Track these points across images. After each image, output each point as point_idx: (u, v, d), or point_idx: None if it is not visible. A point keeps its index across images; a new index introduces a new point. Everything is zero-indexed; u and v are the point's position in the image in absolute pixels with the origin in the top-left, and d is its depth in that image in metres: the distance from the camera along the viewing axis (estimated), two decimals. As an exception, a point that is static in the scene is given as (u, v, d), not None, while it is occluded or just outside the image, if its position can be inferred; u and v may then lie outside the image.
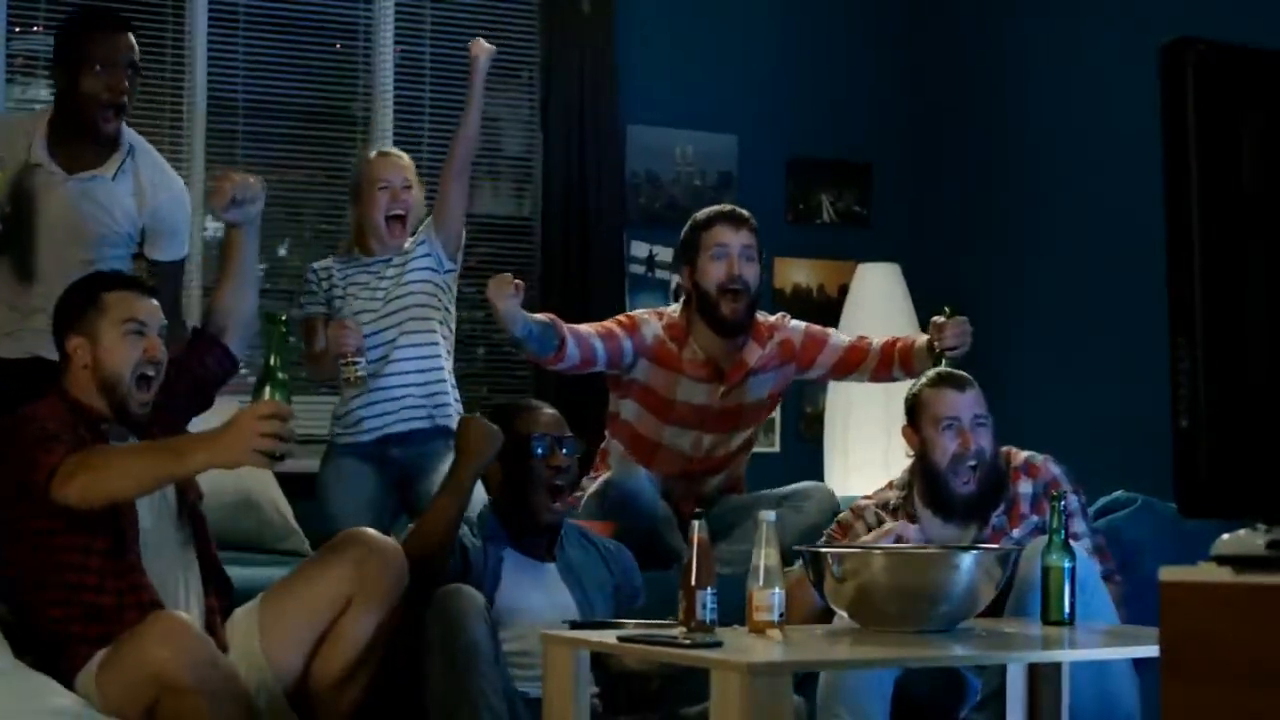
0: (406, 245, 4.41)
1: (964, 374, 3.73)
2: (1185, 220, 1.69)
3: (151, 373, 3.28)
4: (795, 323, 4.41)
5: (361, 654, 3.21)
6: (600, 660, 3.36)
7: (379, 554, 3.25)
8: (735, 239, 4.24)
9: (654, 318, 4.32)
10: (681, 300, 4.38)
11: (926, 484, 3.64)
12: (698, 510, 3.17)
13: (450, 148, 4.49)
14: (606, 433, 4.43)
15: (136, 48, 3.90)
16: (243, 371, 3.94)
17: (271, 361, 3.00)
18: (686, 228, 4.37)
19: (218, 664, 3.02)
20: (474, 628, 3.19)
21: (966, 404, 3.62)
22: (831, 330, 4.48)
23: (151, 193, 3.95)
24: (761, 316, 4.36)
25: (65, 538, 3.10)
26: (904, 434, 3.71)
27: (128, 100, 3.88)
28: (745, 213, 4.34)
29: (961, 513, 3.61)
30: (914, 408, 3.68)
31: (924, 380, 3.73)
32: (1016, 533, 3.60)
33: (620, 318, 4.35)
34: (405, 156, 4.52)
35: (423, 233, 4.44)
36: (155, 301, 3.36)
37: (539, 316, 4.11)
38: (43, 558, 3.11)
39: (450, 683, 3.17)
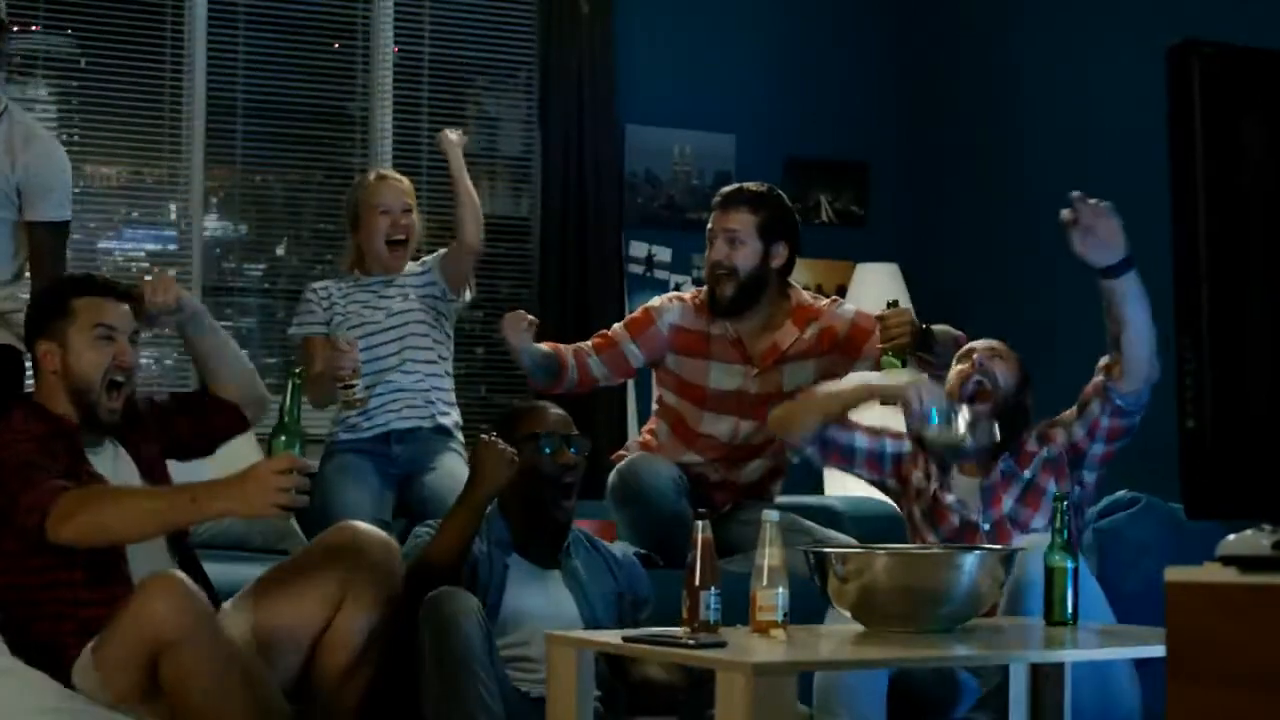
0: (409, 267, 4.40)
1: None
2: (1191, 221, 1.69)
3: (121, 379, 3.25)
4: (845, 309, 4.31)
5: (358, 654, 3.19)
6: (619, 668, 3.36)
7: (370, 551, 3.23)
8: (719, 223, 4.21)
9: (676, 301, 4.29)
10: None
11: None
12: (700, 511, 3.16)
13: (453, 249, 4.37)
14: (655, 403, 4.39)
15: (3, 5, 3.85)
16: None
17: (288, 414, 3.01)
18: None
19: (214, 619, 3.00)
20: (467, 629, 3.16)
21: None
22: None
23: (22, 146, 3.85)
24: (811, 298, 4.31)
25: (47, 557, 3.06)
26: None
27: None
28: (749, 190, 4.23)
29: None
30: None
31: None
32: (1027, 473, 3.63)
33: (634, 314, 4.32)
34: (405, 180, 4.44)
35: (430, 262, 4.42)
36: (126, 307, 3.32)
37: (542, 347, 4.12)
38: (30, 578, 3.09)
39: (444, 684, 3.15)
